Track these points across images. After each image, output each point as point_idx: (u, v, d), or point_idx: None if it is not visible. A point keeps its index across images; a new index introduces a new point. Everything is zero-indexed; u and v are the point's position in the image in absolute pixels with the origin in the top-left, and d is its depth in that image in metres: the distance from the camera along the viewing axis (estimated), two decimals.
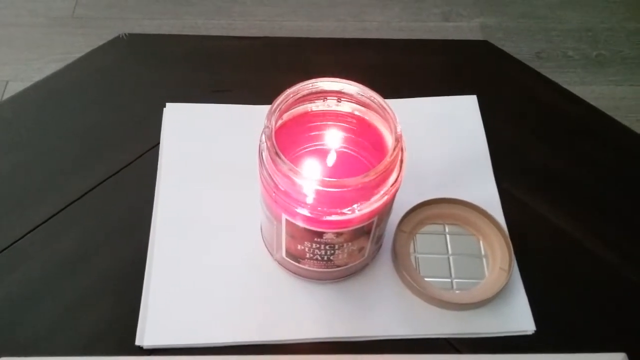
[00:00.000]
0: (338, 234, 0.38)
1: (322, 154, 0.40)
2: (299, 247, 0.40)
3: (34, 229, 0.47)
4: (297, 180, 0.35)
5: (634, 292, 0.45)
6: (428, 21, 1.50)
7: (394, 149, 0.36)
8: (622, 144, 0.55)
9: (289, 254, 0.42)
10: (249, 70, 0.58)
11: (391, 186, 0.37)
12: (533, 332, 0.43)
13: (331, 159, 0.39)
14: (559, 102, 0.57)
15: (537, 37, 1.48)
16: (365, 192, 0.36)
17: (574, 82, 1.38)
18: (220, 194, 0.49)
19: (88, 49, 0.59)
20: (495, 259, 0.45)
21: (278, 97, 0.38)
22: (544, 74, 0.60)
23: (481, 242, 0.47)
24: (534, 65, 0.61)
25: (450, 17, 1.50)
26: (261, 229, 0.46)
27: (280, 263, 0.44)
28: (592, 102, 0.57)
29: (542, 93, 0.58)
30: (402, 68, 0.59)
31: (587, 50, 1.45)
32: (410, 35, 1.44)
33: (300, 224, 0.37)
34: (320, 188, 0.35)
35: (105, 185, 0.49)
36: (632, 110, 1.35)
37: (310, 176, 0.35)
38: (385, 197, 0.37)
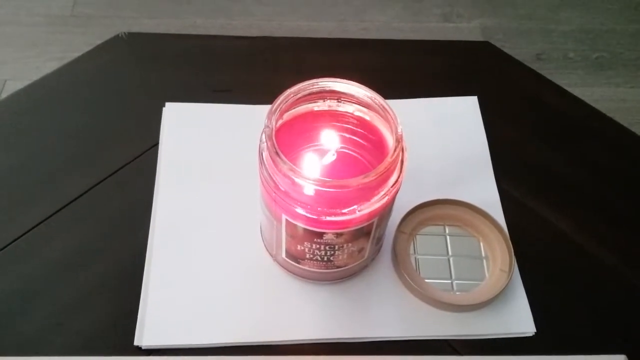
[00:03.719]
0: (338, 235, 0.37)
1: (323, 154, 0.39)
2: (298, 247, 0.40)
3: (31, 228, 0.46)
4: (297, 180, 0.35)
5: (634, 294, 0.45)
6: (428, 22, 1.50)
7: (395, 150, 0.35)
8: (622, 146, 0.54)
9: (288, 254, 0.42)
10: (249, 70, 0.58)
11: (392, 187, 0.37)
12: (533, 333, 0.43)
13: (331, 159, 0.39)
14: (560, 104, 0.57)
15: (537, 38, 1.48)
16: (366, 193, 0.36)
17: (574, 83, 1.38)
18: (220, 194, 0.49)
19: (87, 48, 0.59)
20: (496, 261, 0.45)
21: (279, 97, 0.37)
22: (544, 75, 0.59)
23: (481, 244, 0.47)
24: (534, 66, 0.60)
25: (450, 17, 1.50)
26: (261, 230, 0.46)
27: (280, 264, 0.44)
28: (593, 104, 0.57)
29: (543, 94, 0.58)
30: (403, 68, 0.59)
31: (587, 52, 1.45)
32: (410, 36, 1.44)
33: (300, 224, 0.37)
34: (321, 188, 0.34)
35: (104, 184, 0.49)
36: (632, 112, 1.35)
37: (310, 176, 0.34)
38: (386, 198, 0.36)
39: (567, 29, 1.50)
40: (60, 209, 0.48)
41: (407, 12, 1.51)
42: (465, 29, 1.48)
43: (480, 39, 1.41)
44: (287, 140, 0.38)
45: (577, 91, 0.58)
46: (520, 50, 1.44)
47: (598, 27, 1.51)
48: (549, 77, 0.59)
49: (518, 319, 0.43)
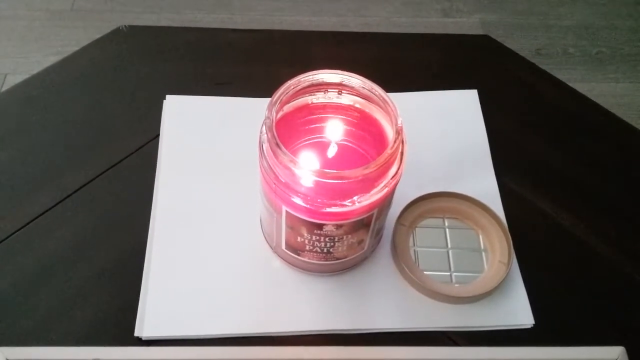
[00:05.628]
0: (338, 226, 0.38)
1: (323, 146, 0.40)
2: (298, 239, 0.40)
3: (33, 219, 0.47)
4: (297, 171, 0.35)
5: (632, 287, 0.46)
6: (428, 17, 1.50)
7: (395, 142, 0.35)
8: (622, 140, 0.55)
9: (288, 246, 0.42)
10: (249, 63, 0.58)
11: (391, 179, 0.37)
12: (532, 325, 0.43)
13: (332, 151, 0.39)
14: (559, 98, 0.57)
15: (537, 33, 1.48)
16: (366, 184, 0.36)
17: (574, 79, 1.38)
18: (220, 186, 0.49)
19: (87, 42, 0.59)
20: (495, 253, 0.45)
21: (279, 89, 0.37)
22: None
23: (480, 236, 0.47)
24: (534, 62, 0.60)
25: (450, 13, 1.50)
26: (261, 221, 0.46)
27: (280, 255, 0.44)
28: (593, 99, 0.57)
29: (543, 88, 0.58)
30: (403, 62, 0.59)
31: (587, 48, 1.45)
32: (410, 31, 1.44)
33: (300, 215, 0.37)
34: (321, 179, 0.34)
35: (105, 177, 0.49)
36: (632, 107, 1.35)
37: (310, 167, 0.35)
38: (386, 190, 0.37)
39: (567, 25, 1.50)
40: (62, 201, 0.48)
41: (407, 7, 1.51)
42: (465, 24, 1.48)
43: (481, 34, 1.41)
44: (288, 132, 0.39)
45: (576, 86, 0.58)
46: (520, 45, 1.44)
47: (598, 23, 1.51)
48: (548, 72, 0.59)
49: (517, 311, 0.44)
